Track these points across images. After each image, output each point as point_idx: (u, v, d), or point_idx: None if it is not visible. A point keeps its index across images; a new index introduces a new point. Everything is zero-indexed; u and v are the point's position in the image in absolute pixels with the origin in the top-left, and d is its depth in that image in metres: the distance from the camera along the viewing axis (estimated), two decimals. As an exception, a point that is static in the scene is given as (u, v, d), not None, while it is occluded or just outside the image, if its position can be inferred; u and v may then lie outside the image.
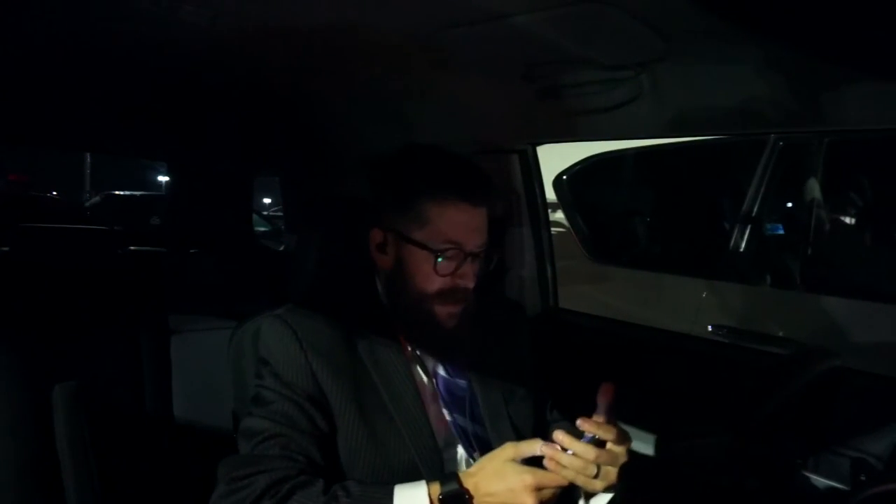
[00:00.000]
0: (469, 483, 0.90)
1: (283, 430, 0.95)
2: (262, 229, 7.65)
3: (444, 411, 1.08)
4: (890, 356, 1.86)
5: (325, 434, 0.98)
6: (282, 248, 3.34)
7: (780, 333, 2.29)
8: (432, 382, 1.09)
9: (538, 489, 0.88)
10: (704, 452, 1.20)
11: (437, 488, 0.90)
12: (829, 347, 1.27)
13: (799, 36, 0.99)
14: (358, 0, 1.02)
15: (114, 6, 1.07)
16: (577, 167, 3.28)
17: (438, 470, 1.00)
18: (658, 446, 1.36)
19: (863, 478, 1.27)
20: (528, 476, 0.89)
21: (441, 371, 1.10)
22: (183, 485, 1.23)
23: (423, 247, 1.01)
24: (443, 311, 1.05)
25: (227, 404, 1.25)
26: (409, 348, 1.09)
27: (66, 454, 1.08)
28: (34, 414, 1.08)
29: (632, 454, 0.99)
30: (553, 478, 0.90)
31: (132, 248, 2.89)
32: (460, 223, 1.02)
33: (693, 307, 2.56)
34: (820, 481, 1.34)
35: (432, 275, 1.02)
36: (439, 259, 1.01)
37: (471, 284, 1.05)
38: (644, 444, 1.44)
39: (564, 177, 3.29)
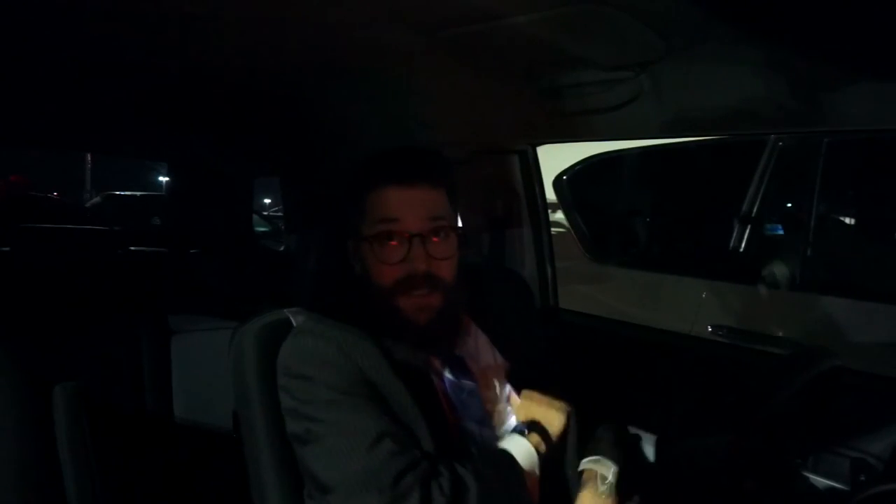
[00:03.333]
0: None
1: (385, 429, 0.90)
2: (262, 229, 7.65)
3: (454, 416, 1.02)
4: (890, 356, 1.86)
5: (403, 422, 0.94)
6: (282, 249, 3.34)
7: (780, 333, 2.29)
8: (441, 385, 1.04)
9: None
10: (704, 452, 1.20)
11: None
12: (829, 347, 1.27)
13: (799, 36, 0.99)
14: (358, 0, 1.02)
15: (113, 5, 1.07)
16: (577, 167, 3.28)
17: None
18: (658, 446, 1.36)
19: (863, 478, 1.27)
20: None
21: (448, 374, 1.05)
22: (183, 484, 1.23)
23: (365, 238, 1.00)
24: (408, 304, 1.00)
25: (227, 404, 1.25)
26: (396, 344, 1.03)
27: (67, 454, 1.08)
28: (35, 414, 1.08)
29: (631, 454, 0.99)
30: None
31: (132, 248, 2.90)
32: (393, 201, 1.00)
33: (693, 307, 2.56)
34: (820, 481, 1.34)
35: (380, 266, 0.99)
36: (379, 244, 0.99)
37: (425, 268, 0.98)
38: (644, 444, 1.44)
39: (564, 177, 3.30)
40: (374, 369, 0.95)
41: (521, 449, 1.00)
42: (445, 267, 1.01)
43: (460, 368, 1.07)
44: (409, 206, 1.00)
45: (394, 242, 0.99)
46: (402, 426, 0.93)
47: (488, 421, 1.06)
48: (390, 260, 0.99)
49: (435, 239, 1.01)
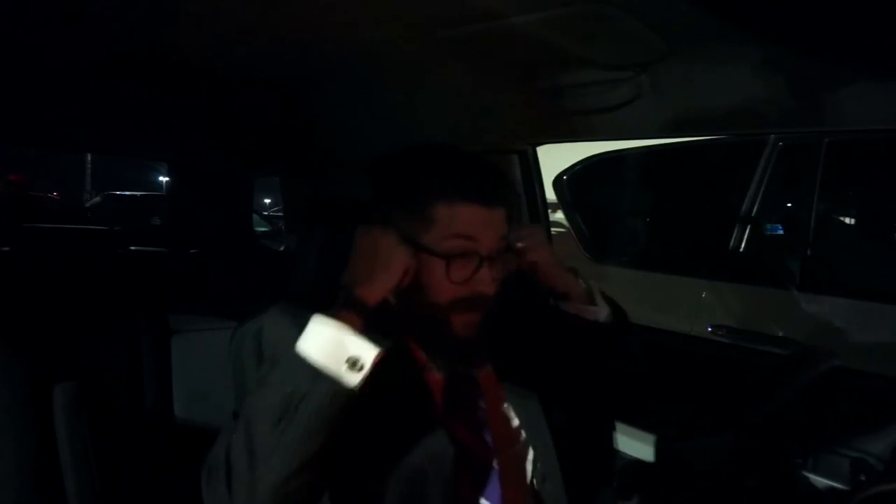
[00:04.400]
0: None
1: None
2: (262, 229, 7.65)
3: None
4: (890, 356, 1.86)
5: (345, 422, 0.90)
6: (282, 248, 3.34)
7: (780, 333, 2.29)
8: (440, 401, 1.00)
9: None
10: (704, 452, 1.20)
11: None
12: (829, 347, 1.27)
13: (799, 36, 0.99)
14: (358, 0, 1.02)
15: (113, 6, 1.07)
16: (577, 167, 3.28)
17: (444, 478, 0.94)
18: (658, 446, 1.36)
19: (863, 478, 1.27)
20: None
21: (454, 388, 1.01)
22: (183, 484, 1.23)
23: (432, 251, 0.94)
24: (459, 320, 0.96)
25: (227, 404, 1.25)
26: (423, 354, 1.01)
27: (67, 454, 1.08)
28: (34, 414, 1.08)
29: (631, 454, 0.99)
30: None
31: (132, 248, 2.90)
32: (472, 220, 0.95)
33: (693, 307, 2.56)
34: (820, 481, 1.34)
35: (444, 282, 0.94)
36: (452, 263, 0.93)
37: (490, 291, 0.96)
38: (644, 444, 1.44)
39: (564, 177, 3.30)
40: None
41: (317, 337, 0.81)
42: (496, 286, 0.99)
43: (472, 387, 1.04)
44: (487, 227, 0.95)
45: (467, 262, 0.94)
46: None
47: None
48: (459, 280, 0.94)
49: (497, 260, 0.98)
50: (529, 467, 1.04)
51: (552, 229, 2.10)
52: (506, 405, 1.05)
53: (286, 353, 0.83)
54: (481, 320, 0.98)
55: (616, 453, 1.18)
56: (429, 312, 0.96)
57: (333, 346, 0.82)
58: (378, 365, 0.91)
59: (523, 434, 1.05)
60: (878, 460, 1.27)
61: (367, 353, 0.82)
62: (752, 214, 2.60)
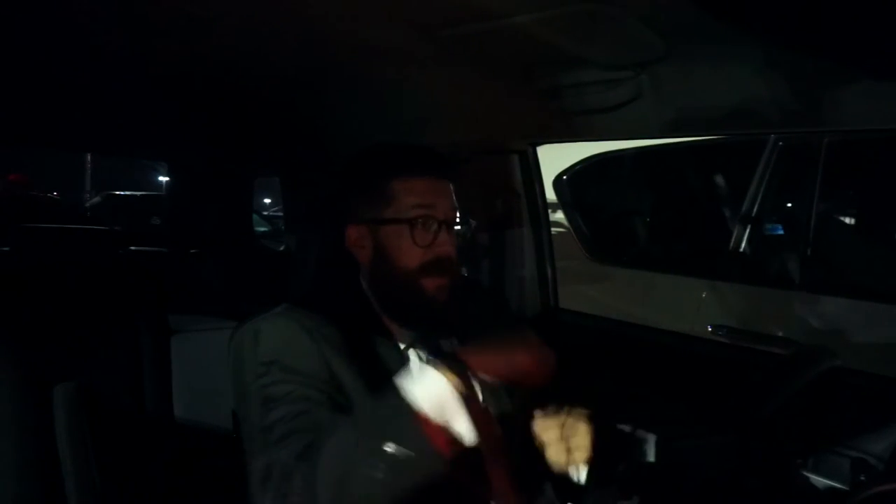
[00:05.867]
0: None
1: (305, 408, 0.92)
2: (262, 229, 7.65)
3: None
4: (890, 356, 1.86)
5: (346, 412, 0.94)
6: (282, 248, 3.34)
7: (780, 333, 2.29)
8: None
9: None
10: (704, 452, 1.20)
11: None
12: (829, 347, 1.27)
13: (799, 36, 0.99)
14: (358, 0, 1.02)
15: (113, 5, 1.07)
16: (577, 167, 3.28)
17: (436, 467, 0.96)
18: (658, 446, 1.36)
19: (863, 478, 1.27)
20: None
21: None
22: (183, 485, 1.23)
23: (396, 221, 1.05)
24: (431, 283, 1.06)
25: (227, 404, 1.25)
26: (402, 345, 1.09)
27: (67, 454, 1.08)
28: (34, 414, 1.08)
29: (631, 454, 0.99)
30: None
31: (132, 248, 2.90)
32: (426, 190, 1.07)
33: (693, 307, 2.56)
34: (820, 481, 1.34)
35: (412, 248, 1.05)
36: (415, 227, 1.04)
37: (452, 253, 1.08)
38: (644, 444, 1.44)
39: (564, 177, 3.30)
40: (337, 359, 1.00)
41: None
42: (455, 251, 1.10)
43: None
44: (441, 195, 1.08)
45: (429, 227, 1.06)
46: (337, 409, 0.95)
47: None
48: (423, 243, 1.05)
49: (453, 226, 1.09)
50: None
51: (552, 229, 2.09)
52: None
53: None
54: (450, 285, 1.08)
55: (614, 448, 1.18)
56: (403, 280, 1.06)
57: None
58: (356, 344, 1.02)
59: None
60: (878, 460, 1.27)
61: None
62: (752, 214, 2.60)
